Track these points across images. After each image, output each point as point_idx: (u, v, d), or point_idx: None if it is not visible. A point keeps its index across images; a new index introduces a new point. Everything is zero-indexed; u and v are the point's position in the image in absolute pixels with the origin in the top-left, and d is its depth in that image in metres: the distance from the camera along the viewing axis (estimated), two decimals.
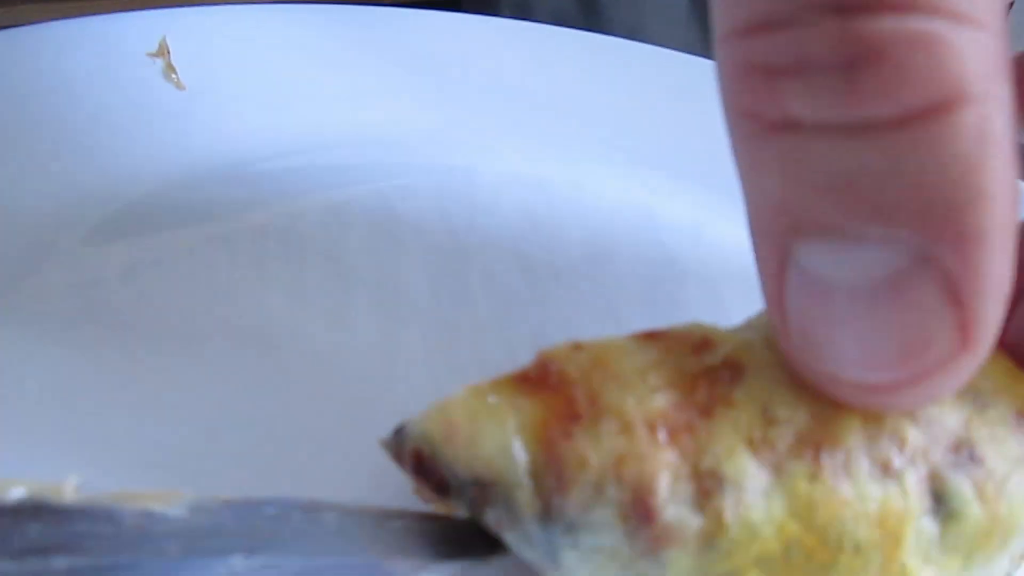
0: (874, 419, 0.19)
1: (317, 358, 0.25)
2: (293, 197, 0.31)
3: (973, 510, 0.19)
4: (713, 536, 0.18)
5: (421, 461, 0.20)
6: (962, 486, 0.19)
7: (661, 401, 0.19)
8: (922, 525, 0.19)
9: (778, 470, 0.18)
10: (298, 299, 0.27)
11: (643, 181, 0.36)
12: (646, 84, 0.40)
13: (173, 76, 0.35)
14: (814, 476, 0.18)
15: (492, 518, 0.19)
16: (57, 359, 0.23)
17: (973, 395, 0.20)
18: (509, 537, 0.19)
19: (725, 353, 0.19)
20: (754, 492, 0.18)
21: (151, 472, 0.21)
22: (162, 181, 0.30)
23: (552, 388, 0.19)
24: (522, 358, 0.19)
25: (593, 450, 0.18)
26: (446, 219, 0.32)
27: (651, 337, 0.20)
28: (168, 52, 0.35)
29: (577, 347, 0.20)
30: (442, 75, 0.39)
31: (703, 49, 0.50)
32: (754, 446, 0.18)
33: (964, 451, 0.19)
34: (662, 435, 0.18)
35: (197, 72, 0.35)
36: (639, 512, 0.18)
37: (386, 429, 0.20)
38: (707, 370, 0.19)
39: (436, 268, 0.29)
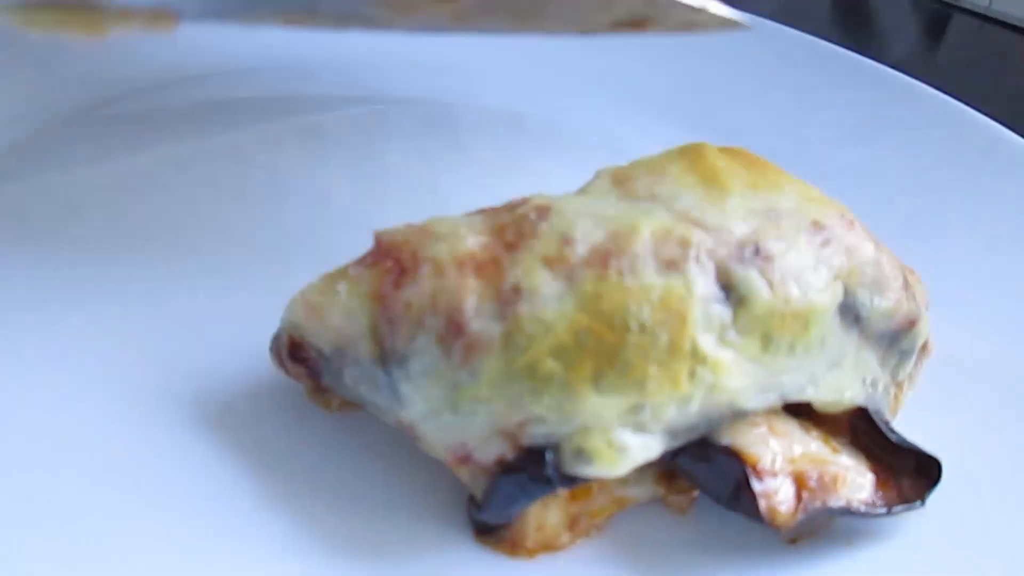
0: (663, 233, 0.21)
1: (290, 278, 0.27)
2: (267, 121, 0.34)
3: (761, 293, 0.20)
4: (512, 336, 0.20)
5: (295, 347, 0.23)
6: (749, 274, 0.21)
7: (470, 244, 0.21)
8: (712, 310, 0.20)
9: (570, 278, 0.20)
10: (273, 223, 0.30)
11: (623, 119, 0.37)
12: None
13: None
14: (602, 278, 0.20)
15: (348, 378, 0.22)
16: None
17: (767, 210, 0.22)
18: (363, 391, 0.22)
19: (536, 203, 0.22)
20: (547, 297, 0.20)
21: None
22: (124, 92, 0.33)
23: (384, 255, 0.22)
24: None
25: (414, 294, 0.21)
26: (423, 153, 0.34)
27: (480, 211, 0.23)
28: None
29: (409, 225, 0.23)
30: None
31: None
32: (550, 263, 0.21)
33: (750, 247, 0.21)
34: (469, 270, 0.21)
35: None
36: (451, 331, 0.20)
37: None
38: (517, 217, 0.22)
39: (412, 202, 0.31)
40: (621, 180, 0.23)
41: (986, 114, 0.34)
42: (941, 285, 0.29)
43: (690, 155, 0.23)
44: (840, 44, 0.39)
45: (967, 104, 0.35)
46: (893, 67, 0.37)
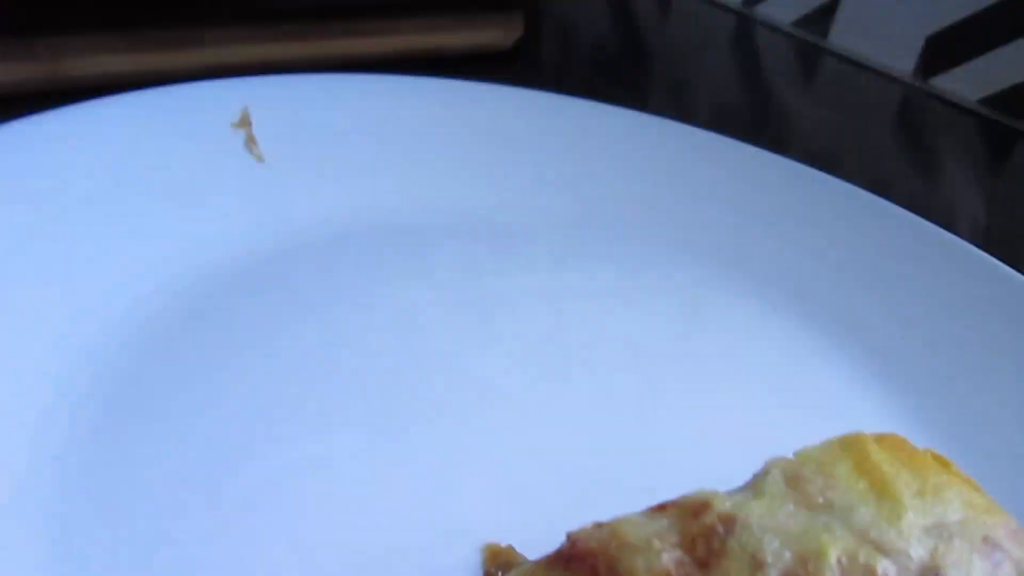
0: (850, 556, 0.22)
1: None
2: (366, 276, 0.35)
3: None
4: None
5: None
6: None
7: (666, 560, 0.23)
8: None
9: None
10: (360, 378, 0.32)
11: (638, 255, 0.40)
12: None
13: (253, 147, 0.36)
14: None
15: None
16: None
17: (939, 528, 0.24)
18: None
19: (719, 511, 0.24)
20: None
21: None
22: (236, 252, 0.34)
23: (579, 560, 0.24)
24: None
25: None
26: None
27: (659, 509, 0.25)
28: (251, 123, 0.36)
29: (599, 525, 0.24)
30: (514, 150, 0.41)
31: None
32: None
33: (931, 575, 0.22)
34: None
35: (277, 143, 0.37)
36: None
37: None
38: (705, 528, 0.23)
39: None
40: (793, 481, 0.24)
41: None
42: None
43: (853, 452, 0.25)
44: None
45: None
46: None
